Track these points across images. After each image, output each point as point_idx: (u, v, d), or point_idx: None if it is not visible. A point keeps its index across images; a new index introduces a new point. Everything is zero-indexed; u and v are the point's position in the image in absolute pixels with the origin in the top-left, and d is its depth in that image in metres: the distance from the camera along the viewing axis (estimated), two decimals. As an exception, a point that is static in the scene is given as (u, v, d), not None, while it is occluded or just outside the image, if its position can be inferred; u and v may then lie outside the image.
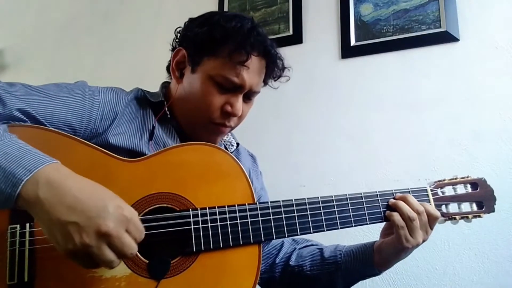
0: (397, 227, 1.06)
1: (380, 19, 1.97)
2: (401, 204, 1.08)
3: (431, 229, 1.10)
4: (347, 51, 2.01)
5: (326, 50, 2.07)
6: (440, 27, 1.84)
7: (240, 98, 1.11)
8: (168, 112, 1.14)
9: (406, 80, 1.88)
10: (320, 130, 2.00)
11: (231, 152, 1.27)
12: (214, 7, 2.35)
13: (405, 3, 1.93)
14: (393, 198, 1.11)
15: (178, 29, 1.20)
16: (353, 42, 2.00)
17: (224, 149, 1.16)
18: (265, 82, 1.20)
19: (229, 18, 1.10)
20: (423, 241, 1.08)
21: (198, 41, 1.10)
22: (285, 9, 2.20)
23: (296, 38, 2.13)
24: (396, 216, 1.06)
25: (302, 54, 2.10)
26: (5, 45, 2.97)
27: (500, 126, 1.68)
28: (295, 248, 1.29)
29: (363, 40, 1.99)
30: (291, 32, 2.16)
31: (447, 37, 1.82)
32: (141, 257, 0.91)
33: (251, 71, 1.08)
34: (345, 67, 2.02)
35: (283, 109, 2.08)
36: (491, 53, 1.75)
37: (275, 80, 1.22)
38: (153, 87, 1.24)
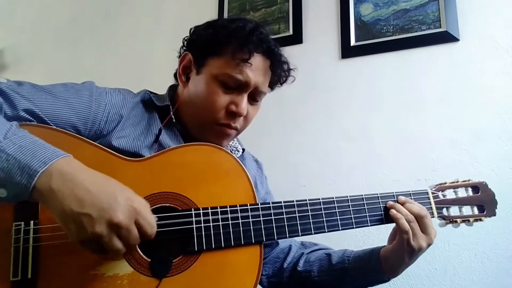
0: (401, 231, 1.05)
1: (380, 19, 1.97)
2: (399, 206, 1.08)
3: (429, 228, 1.07)
4: (347, 51, 2.02)
5: (326, 50, 2.07)
6: (440, 27, 1.84)
7: (245, 98, 1.11)
8: (173, 117, 1.15)
9: (406, 80, 1.88)
10: (320, 130, 2.00)
11: (237, 157, 1.28)
12: (214, 7, 2.35)
13: (405, 3, 1.93)
14: (395, 201, 1.11)
15: (185, 38, 1.21)
16: (353, 42, 2.00)
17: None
18: (272, 86, 1.20)
19: (233, 20, 1.13)
20: (428, 244, 1.06)
21: (202, 42, 1.11)
22: (285, 9, 2.20)
23: (296, 38, 2.14)
24: (401, 219, 1.05)
25: (302, 54, 2.09)
26: (5, 45, 2.97)
27: (500, 126, 1.69)
28: (303, 253, 1.29)
29: (363, 40, 1.99)
30: (291, 32, 2.16)
31: (447, 37, 1.82)
32: (143, 256, 0.92)
33: (255, 69, 1.09)
34: (345, 67, 2.02)
35: (283, 109, 2.08)
36: (491, 53, 1.76)
37: (281, 84, 1.22)
38: (153, 87, 1.24)
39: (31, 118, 0.94)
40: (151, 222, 0.83)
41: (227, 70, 1.07)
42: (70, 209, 0.75)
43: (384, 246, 1.16)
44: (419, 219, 1.06)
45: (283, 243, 1.31)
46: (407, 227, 1.04)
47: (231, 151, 1.28)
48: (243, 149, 1.33)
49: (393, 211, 1.08)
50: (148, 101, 1.16)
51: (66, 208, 0.75)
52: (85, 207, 0.76)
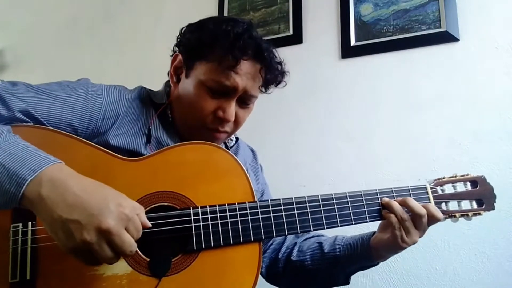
0: (393, 228, 1.06)
1: (380, 19, 1.97)
2: (394, 204, 1.08)
3: (428, 227, 1.09)
4: (347, 51, 2.01)
5: (326, 50, 2.07)
6: (440, 27, 1.84)
7: (232, 103, 1.08)
8: (170, 115, 1.14)
9: (406, 80, 1.88)
10: (320, 130, 2.00)
11: (231, 146, 1.28)
12: (214, 7, 2.36)
13: (405, 3, 1.93)
14: (393, 197, 1.12)
15: (178, 36, 1.19)
16: (353, 42, 2.00)
17: (224, 146, 1.16)
18: (265, 88, 1.17)
19: (221, 22, 1.09)
20: (420, 237, 1.08)
21: (190, 46, 1.10)
22: (285, 9, 2.20)
23: (296, 38, 2.14)
24: (393, 217, 1.07)
25: (302, 54, 2.10)
26: (5, 45, 2.97)
27: (500, 126, 1.69)
28: (296, 242, 1.30)
29: (363, 40, 1.99)
30: (291, 32, 2.16)
31: (447, 37, 1.82)
32: (142, 255, 0.92)
33: (243, 75, 1.05)
34: (345, 67, 2.02)
35: (283, 109, 2.08)
36: (491, 53, 1.76)
37: (276, 86, 1.18)
38: (153, 87, 1.24)
39: (27, 119, 0.93)
40: (139, 229, 0.81)
41: (213, 76, 1.05)
42: (58, 215, 0.74)
43: (374, 232, 1.17)
44: (418, 217, 1.06)
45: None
46: (399, 226, 1.06)
47: (224, 141, 1.27)
48: (237, 138, 1.32)
49: (385, 211, 1.09)
50: (145, 98, 1.16)
51: (55, 214, 0.74)
52: (74, 213, 0.74)
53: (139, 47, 2.59)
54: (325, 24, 2.10)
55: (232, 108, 1.08)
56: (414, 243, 1.07)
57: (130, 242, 0.78)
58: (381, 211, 1.10)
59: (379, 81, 1.93)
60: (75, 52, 2.77)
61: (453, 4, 1.83)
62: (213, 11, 2.34)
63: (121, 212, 0.77)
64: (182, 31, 1.16)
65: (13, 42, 2.97)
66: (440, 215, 1.09)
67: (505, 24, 1.75)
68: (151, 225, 0.86)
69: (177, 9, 2.51)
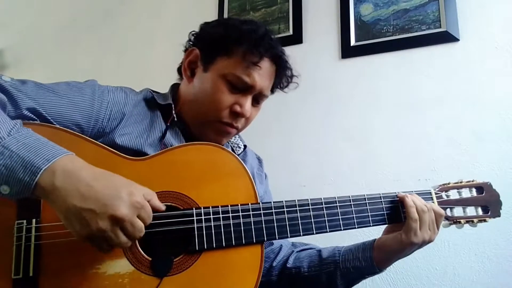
0: (411, 219, 1.07)
1: (380, 19, 1.97)
2: (415, 197, 1.10)
3: (438, 228, 1.10)
4: (347, 51, 2.02)
5: (326, 50, 2.07)
6: (440, 27, 1.84)
7: (249, 99, 1.13)
8: (175, 116, 1.15)
9: (406, 80, 1.89)
10: (320, 130, 2.00)
11: (239, 154, 1.29)
12: (214, 7, 2.35)
13: (405, 3, 1.93)
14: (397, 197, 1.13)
15: (192, 32, 1.22)
16: (353, 42, 2.01)
17: (228, 149, 1.17)
18: (273, 90, 1.23)
19: (244, 22, 1.15)
20: (429, 240, 1.08)
21: (213, 41, 1.13)
22: (285, 9, 2.20)
23: (296, 38, 2.14)
24: (412, 208, 1.07)
25: (302, 54, 2.09)
26: (5, 45, 2.97)
27: (500, 126, 1.69)
28: (293, 251, 1.30)
29: (363, 40, 1.99)
30: (291, 32, 2.16)
31: (447, 37, 1.82)
32: (144, 255, 0.92)
33: (262, 73, 1.11)
34: (345, 67, 2.02)
35: (284, 109, 2.08)
36: (491, 53, 1.76)
37: (282, 89, 1.24)
38: (154, 87, 1.24)
39: (34, 117, 0.94)
40: (150, 215, 0.84)
41: (235, 71, 1.09)
42: (73, 205, 0.76)
43: (376, 238, 1.17)
44: (438, 216, 1.10)
45: (275, 242, 1.31)
46: (417, 215, 1.07)
47: (232, 148, 1.29)
48: (245, 146, 1.34)
49: (408, 198, 1.09)
50: (151, 99, 1.17)
51: (69, 204, 0.76)
52: (88, 202, 0.77)
53: (139, 47, 2.59)
54: (325, 24, 2.10)
55: (249, 104, 1.13)
56: (424, 241, 1.08)
57: (140, 228, 0.82)
58: (386, 215, 1.10)
59: (379, 81, 1.93)
60: (75, 52, 2.77)
61: (453, 4, 1.83)
62: (213, 11, 2.34)
63: (133, 200, 0.81)
64: (201, 27, 1.20)
65: (13, 42, 2.96)
66: (441, 210, 1.11)
67: (505, 24, 1.76)
68: (164, 208, 0.89)
69: (177, 9, 2.51)
